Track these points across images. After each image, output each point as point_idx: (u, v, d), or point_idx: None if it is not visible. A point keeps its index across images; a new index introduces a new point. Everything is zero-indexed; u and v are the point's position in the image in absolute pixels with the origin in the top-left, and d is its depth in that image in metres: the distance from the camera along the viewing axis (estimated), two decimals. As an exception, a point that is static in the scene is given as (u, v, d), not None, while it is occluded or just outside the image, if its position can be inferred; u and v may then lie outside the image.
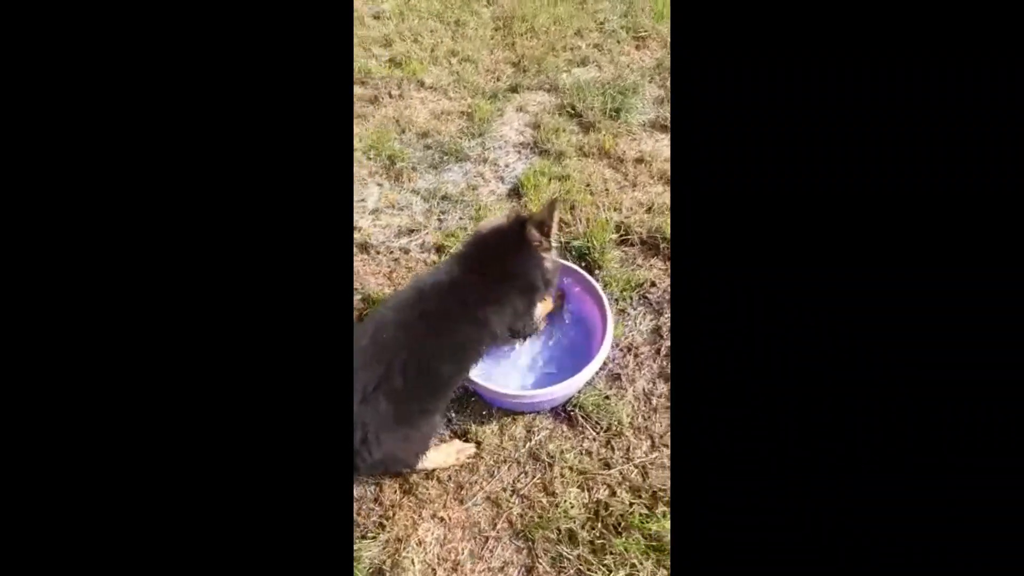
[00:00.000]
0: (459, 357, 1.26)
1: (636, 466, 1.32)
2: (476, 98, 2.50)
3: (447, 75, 2.66)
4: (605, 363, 1.51)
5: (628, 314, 1.64)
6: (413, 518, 1.28)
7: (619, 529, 1.22)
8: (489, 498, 1.31)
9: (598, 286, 1.50)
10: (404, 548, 1.23)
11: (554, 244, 1.34)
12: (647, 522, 1.22)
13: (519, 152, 2.24)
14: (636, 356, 1.54)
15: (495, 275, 1.27)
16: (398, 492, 1.32)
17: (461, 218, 1.96)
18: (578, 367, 1.32)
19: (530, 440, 1.39)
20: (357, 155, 2.23)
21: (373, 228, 1.96)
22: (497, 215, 1.45)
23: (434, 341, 1.20)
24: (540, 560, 1.20)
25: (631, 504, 1.26)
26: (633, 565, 1.16)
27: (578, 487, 1.30)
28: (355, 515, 1.30)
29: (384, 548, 1.24)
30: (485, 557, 1.22)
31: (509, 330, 1.30)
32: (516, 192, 2.04)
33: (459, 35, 2.94)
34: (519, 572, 1.20)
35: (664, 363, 1.51)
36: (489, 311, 1.25)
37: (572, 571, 1.18)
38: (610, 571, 1.16)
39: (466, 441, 1.40)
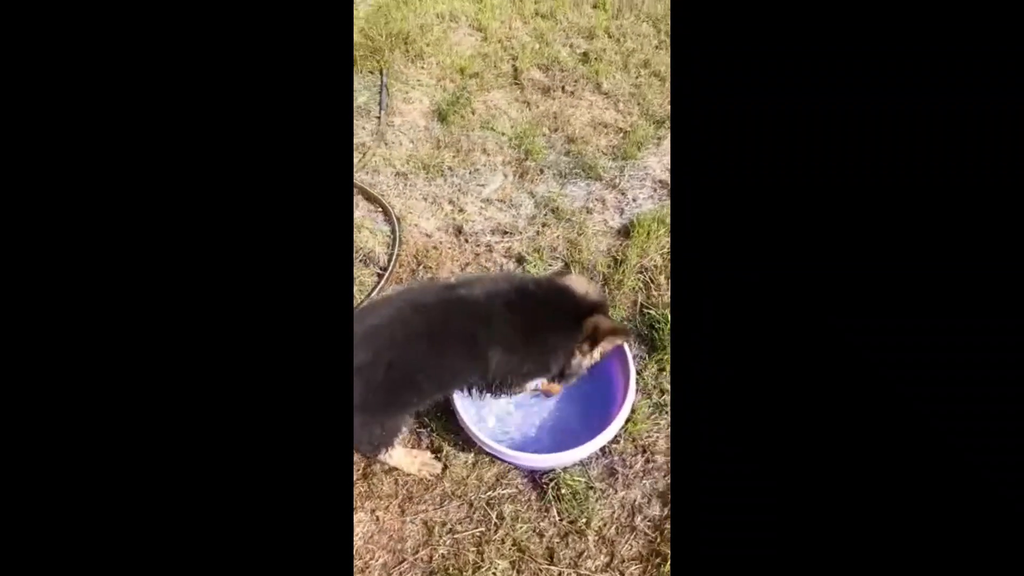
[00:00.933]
0: (444, 380, 1.22)
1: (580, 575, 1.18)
2: (643, 118, 2.32)
3: (628, 85, 2.50)
4: (608, 448, 1.35)
5: (663, 410, 1.43)
6: (356, 503, 1.31)
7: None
8: (426, 524, 1.28)
9: (630, 356, 1.32)
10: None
11: (592, 357, 1.23)
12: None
13: (654, 190, 2.04)
14: (647, 461, 1.35)
15: (526, 329, 1.19)
16: (357, 472, 1.36)
17: (557, 237, 1.87)
18: (579, 437, 1.22)
19: (493, 490, 1.31)
20: (503, 140, 2.24)
21: (477, 216, 1.97)
22: (582, 278, 1.34)
23: (429, 356, 1.17)
24: (434, 611, 1.15)
25: (549, 613, 1.13)
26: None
27: (510, 563, 1.21)
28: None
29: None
30: (404, 548, 1.22)
31: (498, 381, 1.22)
32: (626, 232, 1.88)
33: (663, 47, 2.73)
34: (413, 609, 1.17)
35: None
36: (497, 356, 1.18)
37: (456, 641, 1.11)
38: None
39: (436, 458, 1.37)
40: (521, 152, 2.19)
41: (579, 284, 1.25)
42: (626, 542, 1.23)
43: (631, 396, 1.26)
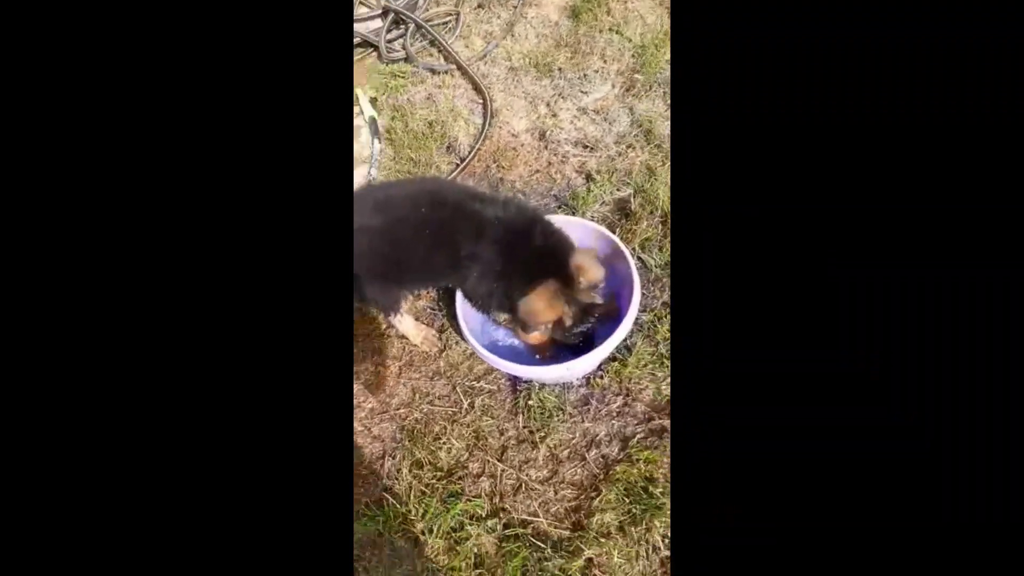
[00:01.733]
0: (431, 275, 1.33)
1: (514, 470, 1.26)
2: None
3: None
4: (592, 380, 1.35)
5: (663, 362, 1.35)
6: (362, 352, 1.52)
7: (448, 498, 1.25)
8: (414, 389, 1.44)
9: (636, 299, 1.27)
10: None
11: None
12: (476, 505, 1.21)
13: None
14: (625, 405, 1.32)
15: (504, 268, 1.21)
16: (378, 330, 1.55)
17: (638, 162, 1.73)
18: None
19: (476, 382, 1.41)
20: (627, 47, 2.05)
21: (567, 124, 1.90)
22: (590, 255, 1.27)
23: (424, 248, 1.25)
24: (393, 459, 1.34)
25: (474, 501, 1.25)
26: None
27: (465, 446, 1.32)
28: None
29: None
30: (374, 423, 1.42)
31: (473, 299, 1.27)
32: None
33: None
34: (382, 453, 1.36)
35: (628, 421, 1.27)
36: (473, 278, 1.23)
37: (404, 486, 1.29)
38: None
39: (440, 338, 1.50)
40: (638, 63, 2.00)
41: (584, 258, 1.20)
42: (572, 467, 1.26)
43: (620, 332, 1.22)
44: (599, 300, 1.27)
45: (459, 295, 1.36)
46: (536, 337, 1.37)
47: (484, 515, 1.22)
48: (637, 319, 1.42)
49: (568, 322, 1.23)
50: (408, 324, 1.48)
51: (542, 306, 1.20)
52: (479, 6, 2.47)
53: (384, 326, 1.54)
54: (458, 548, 1.18)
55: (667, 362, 1.35)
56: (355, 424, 1.42)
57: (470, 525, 1.20)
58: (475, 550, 1.18)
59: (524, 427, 1.33)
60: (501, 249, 1.19)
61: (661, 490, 1.17)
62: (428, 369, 1.47)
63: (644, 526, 1.13)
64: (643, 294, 1.47)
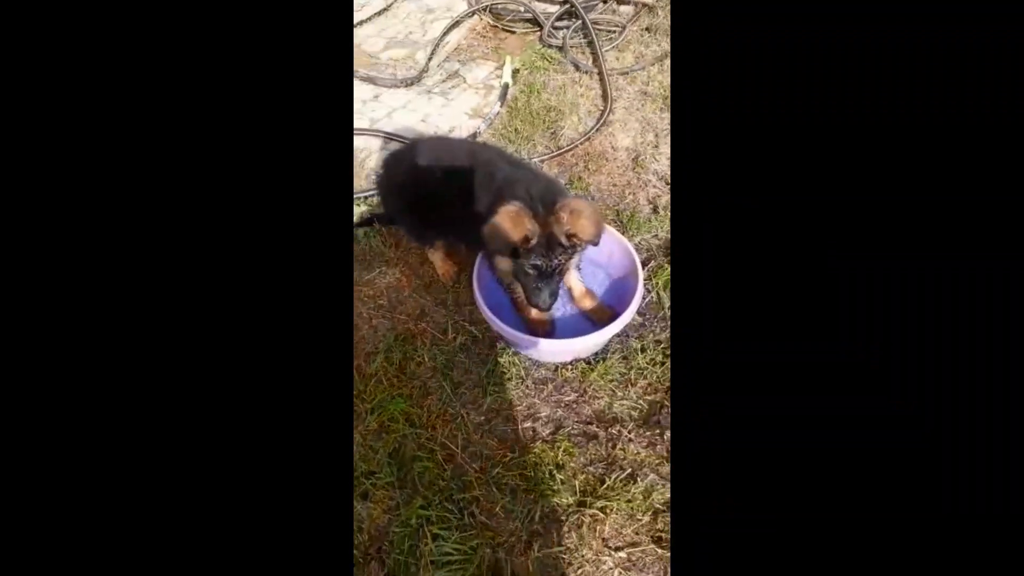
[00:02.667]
0: (447, 219, 1.51)
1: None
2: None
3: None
4: (593, 361, 1.47)
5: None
6: (400, 258, 1.74)
7: (395, 396, 1.44)
8: (420, 305, 1.64)
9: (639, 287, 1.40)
10: (373, 266, 1.75)
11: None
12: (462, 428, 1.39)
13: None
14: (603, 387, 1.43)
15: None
16: (416, 252, 1.76)
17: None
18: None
19: (468, 323, 1.58)
20: None
21: (664, 159, 2.00)
22: (584, 203, 1.33)
23: (450, 204, 1.44)
24: (375, 350, 1.55)
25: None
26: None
27: (431, 368, 1.50)
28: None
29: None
30: (377, 316, 1.64)
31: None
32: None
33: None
34: (371, 342, 1.58)
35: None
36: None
37: (371, 372, 1.50)
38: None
39: (458, 274, 1.69)
40: None
41: (578, 205, 1.28)
42: (504, 426, 1.40)
43: (616, 325, 1.35)
44: (572, 248, 1.32)
45: (479, 258, 1.51)
46: (536, 313, 1.51)
47: (416, 423, 1.39)
48: (624, 338, 1.52)
49: (532, 242, 1.27)
50: (437, 256, 1.68)
51: (507, 223, 1.23)
52: (647, 29, 2.61)
53: (416, 248, 1.75)
54: (383, 434, 1.37)
55: (631, 386, 1.45)
56: (364, 310, 1.64)
57: (403, 426, 1.38)
58: (394, 444, 1.36)
59: (485, 377, 1.48)
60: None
61: (561, 480, 1.28)
62: (438, 297, 1.66)
63: (527, 500, 1.26)
64: (642, 323, 1.57)
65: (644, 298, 1.60)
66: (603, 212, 1.47)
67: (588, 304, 1.55)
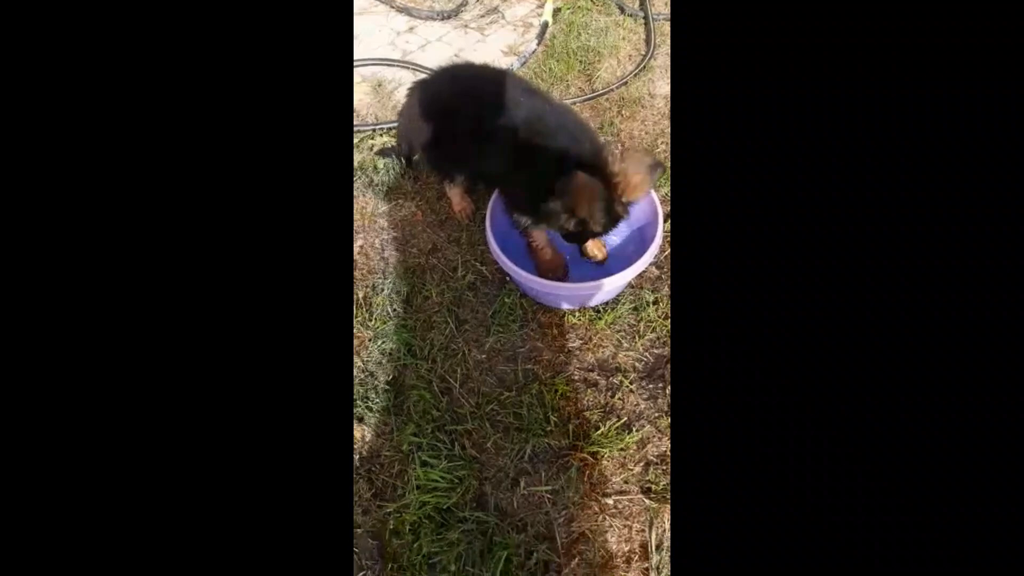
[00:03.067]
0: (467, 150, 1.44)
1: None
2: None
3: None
4: (601, 310, 1.44)
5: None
6: (420, 196, 1.72)
7: (400, 328, 1.44)
8: (432, 240, 1.62)
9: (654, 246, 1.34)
10: (390, 197, 1.73)
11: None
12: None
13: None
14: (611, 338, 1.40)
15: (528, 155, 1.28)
16: (434, 188, 1.73)
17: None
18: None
19: (479, 262, 1.56)
20: None
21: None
22: (640, 156, 1.30)
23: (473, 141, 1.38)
24: (383, 279, 1.54)
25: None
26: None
27: (439, 300, 1.49)
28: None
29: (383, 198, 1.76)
30: (388, 247, 1.62)
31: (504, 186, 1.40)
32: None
33: None
34: (380, 273, 1.57)
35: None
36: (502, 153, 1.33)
37: (378, 302, 1.49)
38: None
39: (475, 213, 1.65)
40: None
41: (634, 165, 1.23)
42: (505, 365, 1.38)
43: (635, 268, 1.31)
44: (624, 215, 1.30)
45: (494, 196, 1.46)
46: (547, 253, 1.47)
47: (417, 355, 1.39)
48: (637, 290, 1.47)
49: (596, 229, 1.29)
50: (455, 192, 1.64)
51: (587, 192, 1.20)
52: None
53: (443, 183, 1.71)
54: (383, 362, 1.38)
55: (639, 338, 1.40)
56: (376, 241, 1.63)
57: (405, 356, 1.38)
58: (394, 372, 1.36)
59: (491, 316, 1.46)
60: (543, 148, 1.26)
61: (555, 422, 1.26)
62: (452, 234, 1.63)
63: (519, 438, 1.25)
64: (659, 275, 1.51)
65: (664, 251, 1.53)
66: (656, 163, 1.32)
67: (599, 254, 1.49)
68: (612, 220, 1.28)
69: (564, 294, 1.41)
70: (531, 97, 1.37)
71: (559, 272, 1.49)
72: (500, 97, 1.34)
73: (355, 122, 1.95)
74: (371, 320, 1.45)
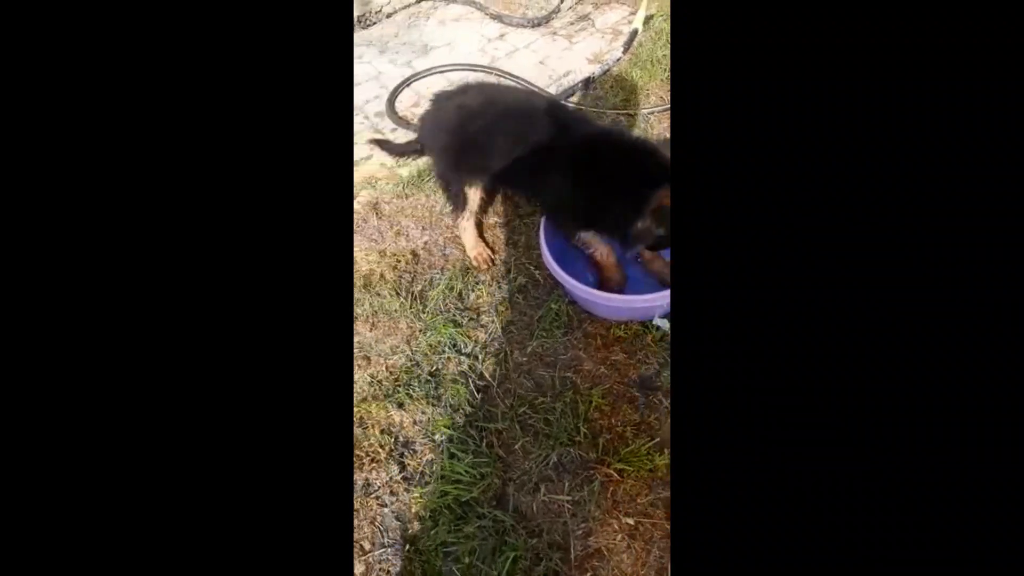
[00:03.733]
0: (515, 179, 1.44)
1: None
2: None
3: None
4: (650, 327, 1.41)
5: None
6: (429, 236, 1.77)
7: (449, 322, 1.49)
8: (492, 246, 1.66)
9: None
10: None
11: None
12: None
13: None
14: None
15: (594, 173, 1.27)
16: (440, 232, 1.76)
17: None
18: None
19: (536, 267, 1.57)
20: None
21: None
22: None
23: (505, 147, 1.38)
24: (441, 275, 1.61)
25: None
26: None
27: (490, 301, 1.53)
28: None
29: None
30: (450, 240, 1.69)
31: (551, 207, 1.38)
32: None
33: None
34: (440, 269, 1.64)
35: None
36: (555, 182, 1.32)
37: (435, 293, 1.56)
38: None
39: (493, 253, 1.64)
40: None
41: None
42: (543, 370, 1.39)
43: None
44: None
45: (543, 225, 1.44)
46: (610, 256, 1.46)
47: (461, 351, 1.44)
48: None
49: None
50: (470, 235, 1.60)
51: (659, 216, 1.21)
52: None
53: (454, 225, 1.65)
54: (429, 354, 1.44)
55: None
56: (440, 239, 1.70)
57: (449, 350, 1.44)
58: (437, 365, 1.42)
59: (537, 321, 1.47)
60: (589, 157, 1.26)
61: (585, 433, 1.25)
62: (511, 237, 1.67)
63: (546, 444, 1.24)
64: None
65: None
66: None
67: (658, 266, 1.45)
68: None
69: (613, 304, 1.38)
70: (580, 122, 1.38)
71: (623, 285, 1.47)
72: (557, 121, 1.36)
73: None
74: (424, 313, 1.52)
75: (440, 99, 1.56)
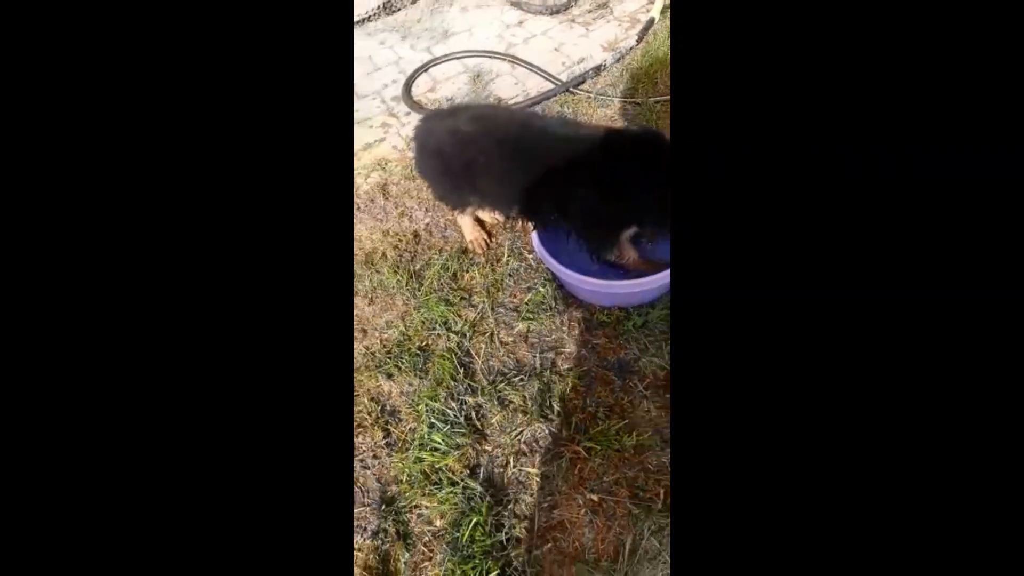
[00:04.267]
0: (516, 202, 1.43)
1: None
2: None
3: None
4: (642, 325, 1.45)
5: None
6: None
7: (440, 301, 1.55)
8: (445, 264, 1.71)
9: None
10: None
11: None
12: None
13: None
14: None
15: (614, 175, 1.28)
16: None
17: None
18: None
19: (530, 251, 1.62)
20: None
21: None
22: None
23: (508, 173, 1.38)
24: (440, 256, 1.67)
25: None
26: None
27: (481, 281, 1.58)
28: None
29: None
30: (447, 225, 1.75)
31: (579, 225, 1.39)
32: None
33: None
34: (438, 250, 1.70)
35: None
36: (580, 196, 1.32)
37: (431, 273, 1.63)
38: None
39: (489, 238, 1.67)
40: None
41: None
42: (527, 351, 1.44)
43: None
44: None
45: (536, 238, 1.44)
46: (641, 261, 1.48)
47: (451, 328, 1.50)
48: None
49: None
50: (467, 222, 1.62)
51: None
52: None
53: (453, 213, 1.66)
54: (420, 328, 1.51)
55: (666, 346, 1.37)
56: (442, 220, 1.76)
57: (440, 327, 1.50)
58: (428, 340, 1.49)
59: (525, 303, 1.52)
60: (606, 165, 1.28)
61: (558, 411, 1.29)
62: (510, 222, 1.71)
63: (522, 420, 1.30)
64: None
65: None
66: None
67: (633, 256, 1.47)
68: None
69: (595, 289, 1.40)
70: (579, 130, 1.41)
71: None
72: (559, 138, 1.36)
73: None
74: (419, 291, 1.59)
75: (430, 121, 1.51)
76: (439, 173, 1.51)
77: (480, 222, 1.67)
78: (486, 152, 1.38)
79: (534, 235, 1.43)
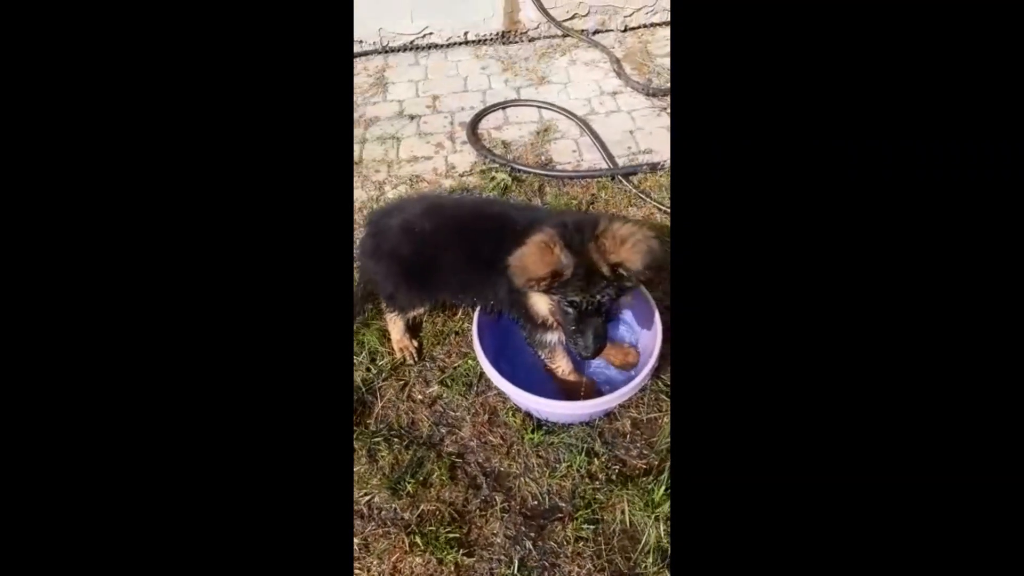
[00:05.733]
0: (458, 279, 1.38)
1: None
2: None
3: None
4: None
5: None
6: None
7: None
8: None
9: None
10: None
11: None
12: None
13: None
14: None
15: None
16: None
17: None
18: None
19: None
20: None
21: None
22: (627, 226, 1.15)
23: (455, 262, 1.34)
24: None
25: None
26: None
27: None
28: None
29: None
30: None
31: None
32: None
33: None
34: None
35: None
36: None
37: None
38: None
39: (419, 350, 1.53)
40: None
41: (625, 230, 1.10)
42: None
43: (632, 385, 1.24)
44: (618, 282, 1.13)
45: (476, 317, 1.37)
46: (572, 374, 1.38)
47: (378, 361, 1.49)
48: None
49: (567, 274, 1.10)
50: (399, 327, 1.51)
51: (533, 256, 1.09)
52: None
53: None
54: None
55: (552, 475, 1.26)
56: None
57: (364, 355, 1.50)
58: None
59: (452, 367, 1.47)
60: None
61: (407, 490, 1.23)
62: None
63: (368, 486, 1.25)
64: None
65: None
66: (659, 239, 1.16)
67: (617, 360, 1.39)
68: (593, 279, 1.11)
69: (564, 412, 1.32)
70: (517, 212, 1.37)
71: (581, 387, 1.38)
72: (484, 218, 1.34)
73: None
74: (364, 314, 1.59)
75: (379, 223, 1.44)
76: (397, 276, 1.40)
77: (411, 329, 1.55)
78: (448, 246, 1.33)
79: (481, 356, 1.32)
